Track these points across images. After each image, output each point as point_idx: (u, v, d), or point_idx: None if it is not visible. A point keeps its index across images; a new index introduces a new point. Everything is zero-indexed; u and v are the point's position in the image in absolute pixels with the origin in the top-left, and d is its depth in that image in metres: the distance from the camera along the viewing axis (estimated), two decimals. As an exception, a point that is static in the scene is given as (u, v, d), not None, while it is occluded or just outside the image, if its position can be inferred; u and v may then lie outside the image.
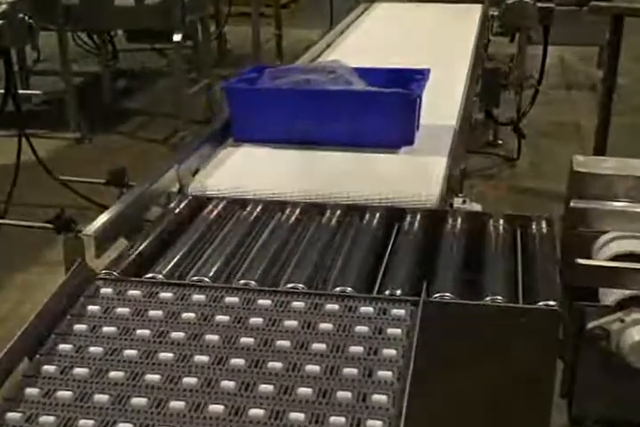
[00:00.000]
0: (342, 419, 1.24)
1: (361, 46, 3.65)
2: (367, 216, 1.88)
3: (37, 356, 1.38)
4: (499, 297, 1.53)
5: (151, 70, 6.82)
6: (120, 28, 6.04)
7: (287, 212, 1.90)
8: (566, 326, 1.60)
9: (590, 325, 1.59)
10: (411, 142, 2.34)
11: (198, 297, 1.52)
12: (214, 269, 1.65)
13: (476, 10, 4.40)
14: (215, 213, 1.90)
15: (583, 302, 1.63)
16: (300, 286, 1.58)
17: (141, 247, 1.73)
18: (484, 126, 4.94)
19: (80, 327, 1.45)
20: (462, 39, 3.74)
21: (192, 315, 1.47)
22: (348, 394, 1.28)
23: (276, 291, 1.55)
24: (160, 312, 1.48)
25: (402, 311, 1.47)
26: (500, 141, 5.13)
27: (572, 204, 1.84)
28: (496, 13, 4.48)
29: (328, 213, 1.89)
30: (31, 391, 1.30)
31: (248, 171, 2.21)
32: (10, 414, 1.25)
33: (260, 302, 1.50)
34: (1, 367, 1.30)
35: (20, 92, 4.80)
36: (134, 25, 5.47)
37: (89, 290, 1.55)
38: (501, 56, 4.82)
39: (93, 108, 5.77)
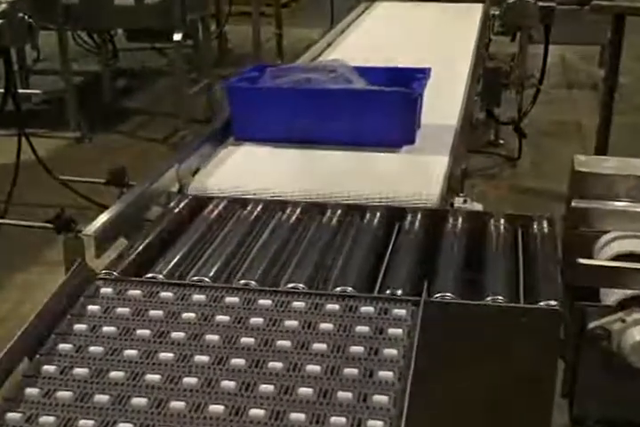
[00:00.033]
0: (343, 419, 1.23)
1: (362, 45, 3.65)
2: (368, 216, 1.87)
3: (37, 356, 1.38)
4: (500, 297, 1.53)
5: (151, 70, 6.81)
6: (120, 27, 6.03)
7: (288, 211, 1.89)
8: (567, 326, 1.60)
9: (591, 325, 1.59)
10: (412, 142, 2.33)
11: (198, 297, 1.52)
12: (214, 268, 1.65)
13: (477, 9, 4.40)
14: (215, 212, 1.90)
15: (584, 302, 1.63)
16: (301, 285, 1.58)
17: (141, 247, 1.73)
18: (485, 126, 4.94)
19: (80, 327, 1.44)
20: (463, 38, 3.73)
21: (192, 315, 1.47)
22: (349, 394, 1.28)
23: (277, 291, 1.54)
24: (160, 312, 1.47)
25: (403, 311, 1.47)
26: (502, 141, 5.13)
27: (573, 203, 1.84)
28: (497, 12, 4.48)
29: (329, 213, 1.89)
30: (31, 391, 1.30)
31: (248, 170, 2.21)
32: (10, 415, 1.25)
33: (261, 301, 1.50)
34: (1, 367, 1.30)
35: (20, 91, 4.81)
36: (134, 24, 5.46)
37: (89, 290, 1.54)
38: (502, 55, 4.82)
39: (93, 108, 5.77)
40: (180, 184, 2.09)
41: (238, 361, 1.35)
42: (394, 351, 1.37)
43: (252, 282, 1.59)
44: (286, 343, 1.39)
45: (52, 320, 1.45)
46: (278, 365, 1.34)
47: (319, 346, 1.38)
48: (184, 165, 2.12)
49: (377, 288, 1.61)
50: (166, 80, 6.23)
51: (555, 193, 3.93)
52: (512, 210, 1.97)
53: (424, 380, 1.32)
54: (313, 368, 1.33)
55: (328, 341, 1.40)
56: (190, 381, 1.31)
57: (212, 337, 1.41)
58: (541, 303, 1.51)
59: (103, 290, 1.54)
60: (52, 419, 1.24)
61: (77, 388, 1.30)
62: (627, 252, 1.71)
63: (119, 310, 1.48)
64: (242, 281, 1.59)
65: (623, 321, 1.57)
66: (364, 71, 2.47)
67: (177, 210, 1.91)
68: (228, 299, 1.51)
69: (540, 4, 4.49)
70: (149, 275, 1.61)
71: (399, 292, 1.55)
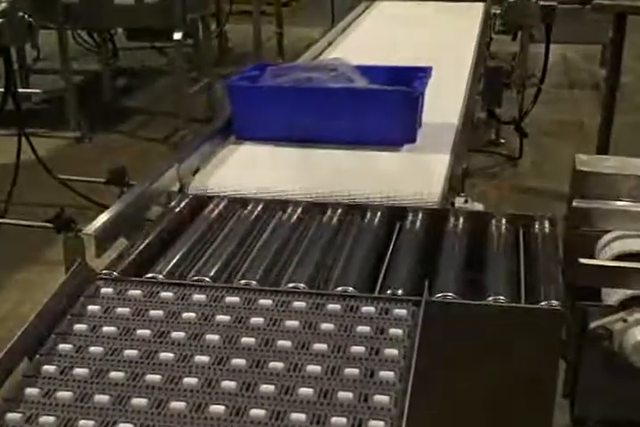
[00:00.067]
0: (343, 420, 1.23)
1: (362, 44, 3.64)
2: (369, 215, 1.87)
3: (37, 356, 1.37)
4: (501, 297, 1.52)
5: (151, 69, 6.81)
6: (120, 26, 6.02)
7: (288, 211, 1.89)
8: (569, 326, 1.60)
9: (593, 324, 1.58)
10: (413, 140, 2.33)
11: (199, 297, 1.51)
12: (215, 268, 1.64)
13: (478, 8, 4.40)
14: (216, 212, 1.89)
15: (586, 302, 1.63)
16: (302, 285, 1.57)
17: (142, 247, 1.72)
18: (486, 125, 4.93)
19: (80, 327, 1.44)
20: (464, 37, 3.73)
21: (192, 315, 1.46)
22: (350, 394, 1.27)
23: (277, 291, 1.54)
24: (160, 312, 1.47)
25: (404, 311, 1.46)
26: (503, 140, 5.12)
27: (574, 203, 1.83)
28: (498, 11, 4.48)
29: (329, 212, 1.88)
30: (31, 391, 1.29)
31: (249, 169, 2.21)
32: (10, 415, 1.25)
33: (261, 301, 1.50)
34: (1, 367, 1.29)
35: (20, 90, 4.81)
36: (134, 23, 5.46)
37: (89, 290, 1.54)
38: (504, 54, 4.82)
39: (93, 107, 5.77)
40: (180, 184, 2.08)
41: (239, 361, 1.35)
42: (395, 351, 1.36)
43: (253, 282, 1.58)
44: (287, 343, 1.39)
45: (52, 320, 1.44)
46: (279, 365, 1.34)
47: (320, 346, 1.38)
48: (184, 165, 2.12)
49: (378, 288, 1.61)
50: (166, 79, 6.23)
51: (556, 193, 3.93)
52: (513, 210, 1.97)
53: (425, 380, 1.31)
54: (313, 368, 1.33)
55: (329, 341, 1.39)
56: (190, 381, 1.31)
57: (213, 337, 1.40)
58: (543, 303, 1.50)
59: (103, 290, 1.54)
60: (51, 419, 1.24)
61: (77, 388, 1.30)
62: (628, 251, 1.71)
63: (119, 309, 1.48)
64: (242, 281, 1.59)
65: (625, 321, 1.57)
66: (365, 70, 2.47)
67: (177, 209, 1.91)
68: (229, 299, 1.50)
69: (542, 2, 4.49)
70: (149, 275, 1.61)
71: (400, 292, 1.55)
